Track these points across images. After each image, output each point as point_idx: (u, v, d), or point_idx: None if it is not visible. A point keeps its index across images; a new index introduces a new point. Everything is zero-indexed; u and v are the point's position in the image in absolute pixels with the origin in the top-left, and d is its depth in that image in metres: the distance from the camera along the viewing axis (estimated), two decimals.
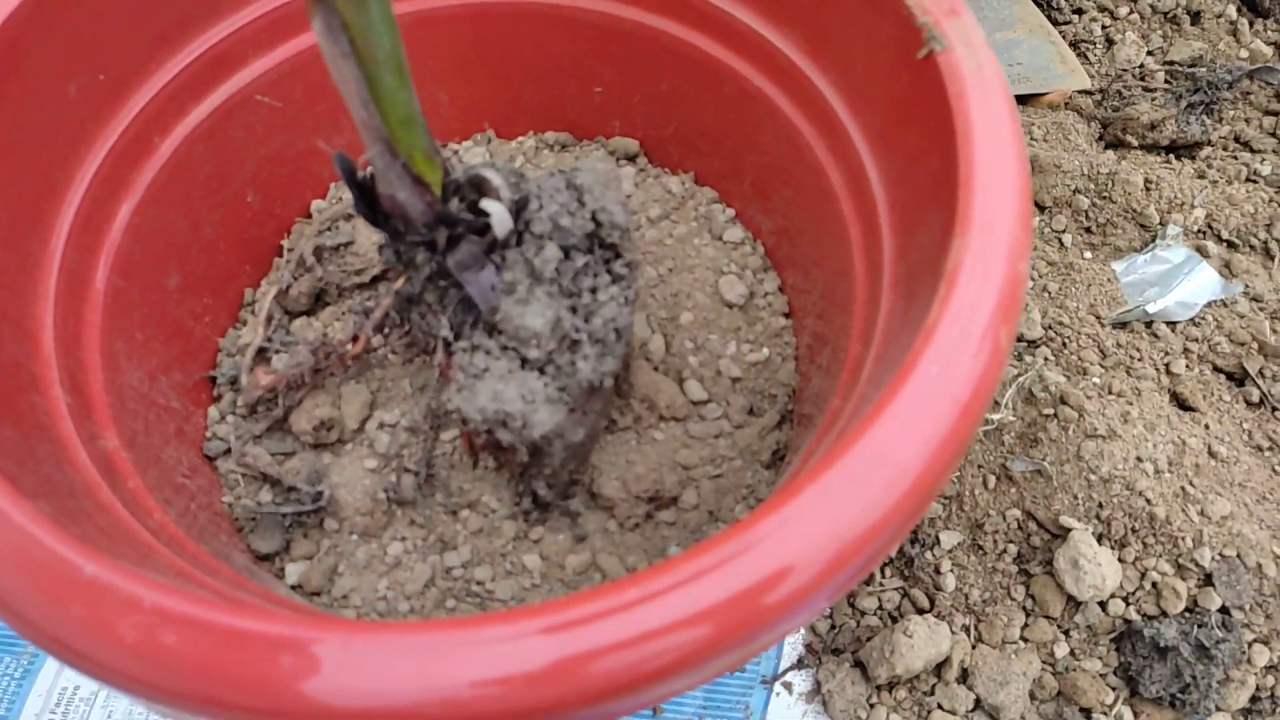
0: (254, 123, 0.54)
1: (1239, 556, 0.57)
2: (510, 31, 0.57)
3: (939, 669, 0.58)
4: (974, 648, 0.59)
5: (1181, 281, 0.72)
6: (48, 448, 0.37)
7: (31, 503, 0.30)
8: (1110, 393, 0.64)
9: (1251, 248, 0.76)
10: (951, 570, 0.62)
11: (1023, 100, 0.87)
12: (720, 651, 0.28)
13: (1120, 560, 0.59)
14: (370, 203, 0.41)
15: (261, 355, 0.52)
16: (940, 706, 0.57)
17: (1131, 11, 0.94)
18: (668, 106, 0.56)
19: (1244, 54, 0.90)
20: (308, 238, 0.54)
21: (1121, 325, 0.71)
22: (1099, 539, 0.59)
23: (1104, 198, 0.78)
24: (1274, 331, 0.70)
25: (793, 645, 0.60)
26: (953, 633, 0.59)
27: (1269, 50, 0.90)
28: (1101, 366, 0.67)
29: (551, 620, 0.28)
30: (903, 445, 0.30)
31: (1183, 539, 0.58)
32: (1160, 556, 0.58)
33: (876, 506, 0.30)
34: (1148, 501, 0.59)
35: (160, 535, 0.39)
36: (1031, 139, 0.83)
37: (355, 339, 0.48)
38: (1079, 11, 0.94)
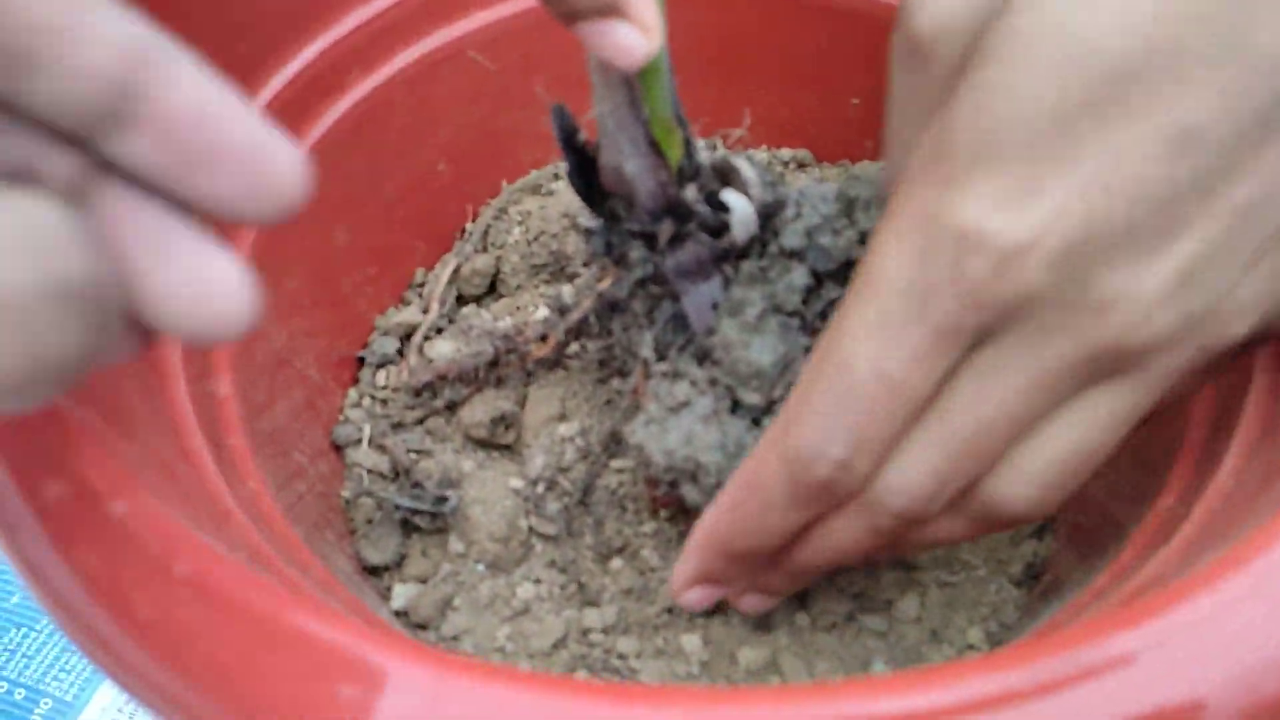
0: (461, 82, 0.47)
1: None
2: (758, 22, 0.49)
3: None
4: None
5: None
6: (139, 368, 0.30)
7: (83, 408, 0.22)
8: None
9: None
10: None
11: None
12: None
13: None
14: (587, 176, 0.33)
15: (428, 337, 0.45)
16: None
17: None
18: None
19: None
20: (493, 208, 0.47)
21: None
22: None
23: None
24: None
25: None
26: None
27: None
28: None
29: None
30: None
31: None
32: None
33: None
34: None
35: (249, 506, 0.30)
36: None
37: (545, 338, 0.40)
38: None
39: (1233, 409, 0.30)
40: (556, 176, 0.51)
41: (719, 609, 0.38)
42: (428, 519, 0.39)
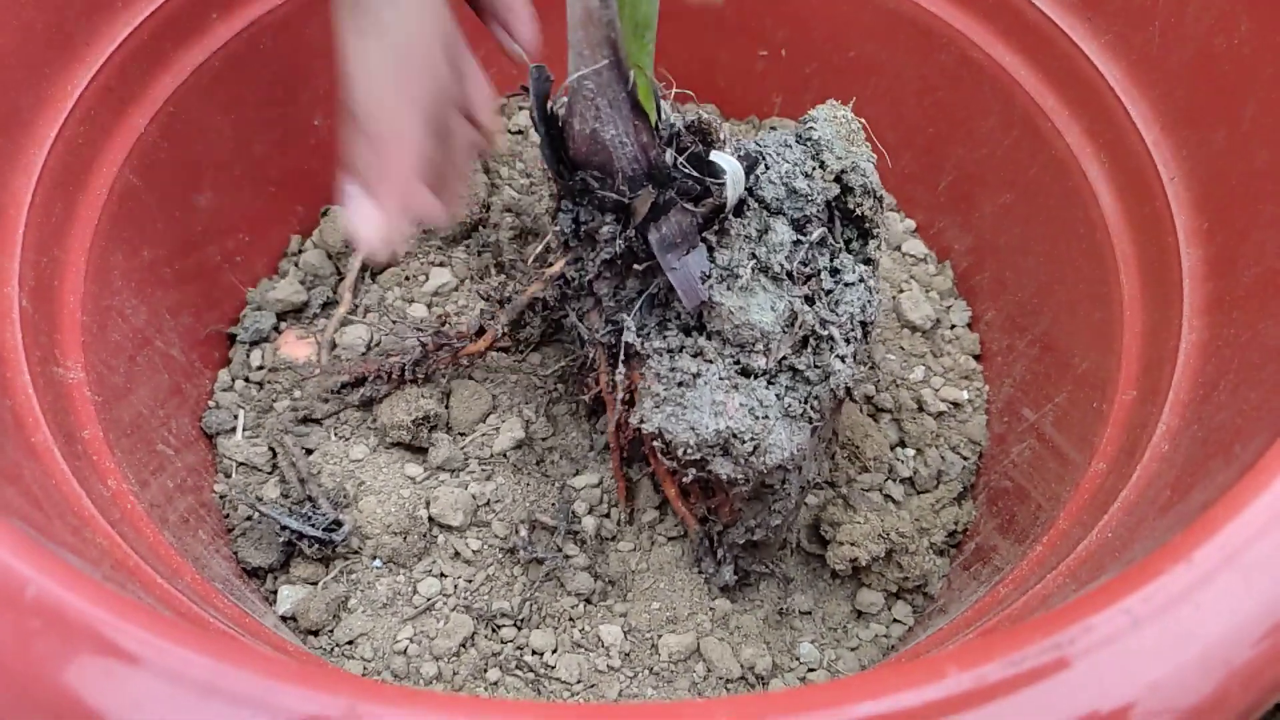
0: None
1: None
2: None
3: None
4: None
5: None
6: None
7: None
8: None
9: None
10: None
11: None
12: None
13: None
14: (558, 147, 0.30)
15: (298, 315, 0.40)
16: None
17: None
18: (853, 81, 0.45)
19: None
20: None
21: None
22: None
23: None
24: None
25: None
26: None
27: None
28: None
29: None
30: None
31: None
32: None
33: None
34: None
35: (109, 509, 0.26)
36: None
37: (480, 332, 0.36)
38: None
39: (1162, 370, 0.30)
40: None
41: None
42: (314, 545, 0.35)
